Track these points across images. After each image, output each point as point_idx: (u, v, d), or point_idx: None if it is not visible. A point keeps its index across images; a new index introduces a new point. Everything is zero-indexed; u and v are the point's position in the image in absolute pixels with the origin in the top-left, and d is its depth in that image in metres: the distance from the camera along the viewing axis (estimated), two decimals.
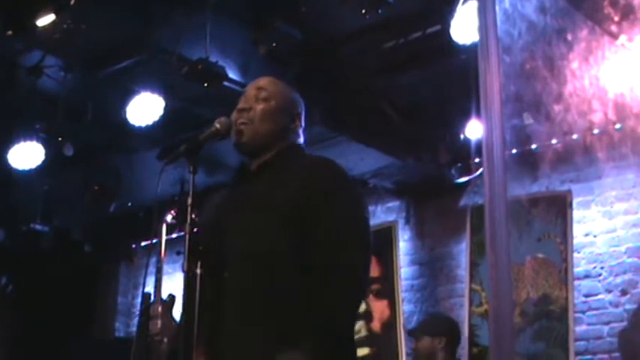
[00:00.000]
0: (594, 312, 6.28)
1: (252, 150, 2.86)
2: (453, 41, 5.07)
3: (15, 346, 8.80)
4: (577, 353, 6.23)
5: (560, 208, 6.54)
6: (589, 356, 6.21)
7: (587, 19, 4.69)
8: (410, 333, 5.69)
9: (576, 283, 6.36)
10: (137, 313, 8.93)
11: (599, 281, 6.30)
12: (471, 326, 6.81)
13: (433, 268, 7.29)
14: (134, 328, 8.96)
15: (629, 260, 6.21)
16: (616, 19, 4.57)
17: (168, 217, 6.37)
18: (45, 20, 4.82)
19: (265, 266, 2.65)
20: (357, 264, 2.66)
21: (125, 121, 5.88)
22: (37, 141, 6.32)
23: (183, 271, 2.63)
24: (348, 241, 2.65)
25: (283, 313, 2.60)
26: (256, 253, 2.68)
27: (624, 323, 6.05)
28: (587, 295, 6.32)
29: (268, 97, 2.88)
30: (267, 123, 2.85)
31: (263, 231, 2.69)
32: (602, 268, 6.31)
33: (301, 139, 2.96)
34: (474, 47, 4.61)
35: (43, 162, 6.39)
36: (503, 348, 2.24)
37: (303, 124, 2.97)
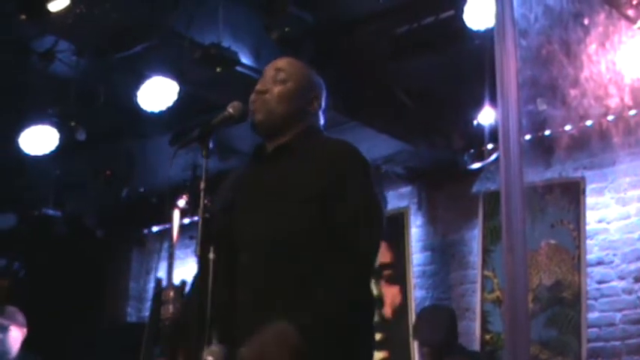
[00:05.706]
0: (607, 299, 6.25)
1: (268, 131, 2.84)
2: (466, 26, 5.05)
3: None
4: (589, 340, 6.20)
5: (573, 194, 6.51)
6: (601, 343, 6.18)
7: (605, 3, 4.66)
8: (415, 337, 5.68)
9: (589, 269, 6.33)
10: (149, 298, 8.94)
11: (612, 268, 6.26)
12: (483, 313, 6.79)
13: (445, 254, 7.27)
14: (146, 314, 8.97)
15: None
16: (634, 2, 4.53)
17: (181, 202, 6.35)
18: (58, 5, 4.83)
19: (278, 250, 2.64)
20: (368, 251, 2.66)
21: (137, 106, 5.87)
22: (50, 126, 6.33)
23: (196, 256, 2.62)
24: (363, 225, 2.64)
25: (297, 297, 2.58)
26: (269, 237, 2.66)
27: (637, 310, 6.04)
28: (600, 282, 6.29)
29: (286, 79, 2.86)
30: (283, 105, 2.83)
31: (277, 215, 2.68)
32: (615, 255, 6.27)
33: (320, 121, 2.94)
34: (487, 33, 4.60)
35: (56, 147, 6.40)
36: (519, 331, 2.23)
37: (323, 105, 2.95)
